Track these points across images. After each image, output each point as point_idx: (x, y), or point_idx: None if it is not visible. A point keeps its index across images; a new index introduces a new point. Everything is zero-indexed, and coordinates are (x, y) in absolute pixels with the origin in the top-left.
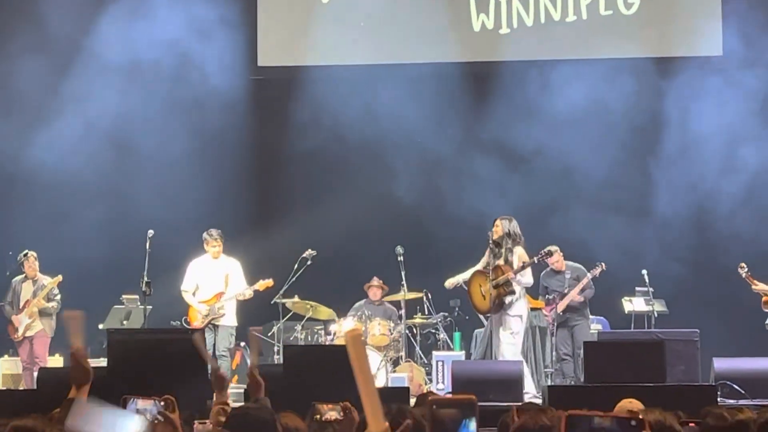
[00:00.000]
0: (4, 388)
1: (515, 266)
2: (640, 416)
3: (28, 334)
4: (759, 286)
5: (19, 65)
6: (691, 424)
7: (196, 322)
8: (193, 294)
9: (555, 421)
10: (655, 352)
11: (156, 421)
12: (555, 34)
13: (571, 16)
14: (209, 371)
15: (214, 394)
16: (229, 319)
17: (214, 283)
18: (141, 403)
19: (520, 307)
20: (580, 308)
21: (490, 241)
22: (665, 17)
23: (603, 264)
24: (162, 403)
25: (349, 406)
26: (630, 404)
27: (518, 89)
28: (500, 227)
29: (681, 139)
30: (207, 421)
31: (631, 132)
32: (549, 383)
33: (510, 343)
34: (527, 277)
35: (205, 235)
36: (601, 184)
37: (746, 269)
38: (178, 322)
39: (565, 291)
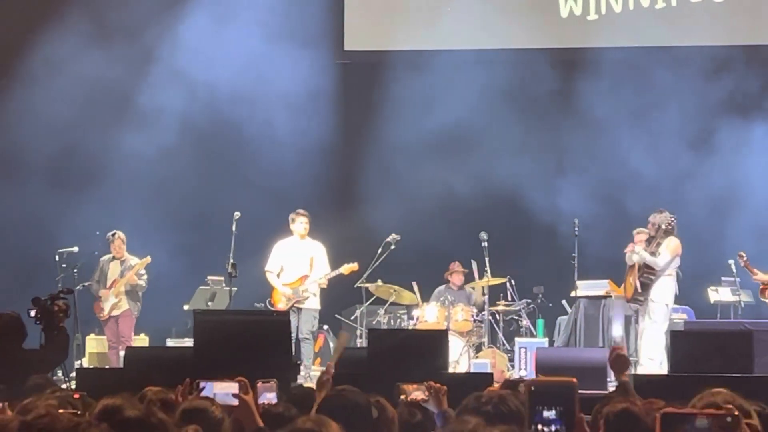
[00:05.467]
0: (92, 367)
1: (662, 258)
2: (736, 412)
3: (114, 313)
4: (758, 276)
5: (108, 52)
6: None
7: (280, 304)
8: (278, 275)
9: (642, 409)
10: (743, 343)
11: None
12: (644, 21)
13: (661, 3)
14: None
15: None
16: (313, 302)
17: (299, 266)
18: (216, 386)
19: (660, 293)
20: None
21: (648, 235)
22: (757, 5)
23: None
24: (236, 386)
25: (434, 385)
26: (718, 394)
27: (606, 76)
28: (652, 222)
29: None
30: (271, 380)
31: (718, 119)
32: (634, 371)
33: (651, 329)
34: (660, 258)
35: (292, 214)
36: (688, 172)
37: (745, 258)
38: (262, 304)
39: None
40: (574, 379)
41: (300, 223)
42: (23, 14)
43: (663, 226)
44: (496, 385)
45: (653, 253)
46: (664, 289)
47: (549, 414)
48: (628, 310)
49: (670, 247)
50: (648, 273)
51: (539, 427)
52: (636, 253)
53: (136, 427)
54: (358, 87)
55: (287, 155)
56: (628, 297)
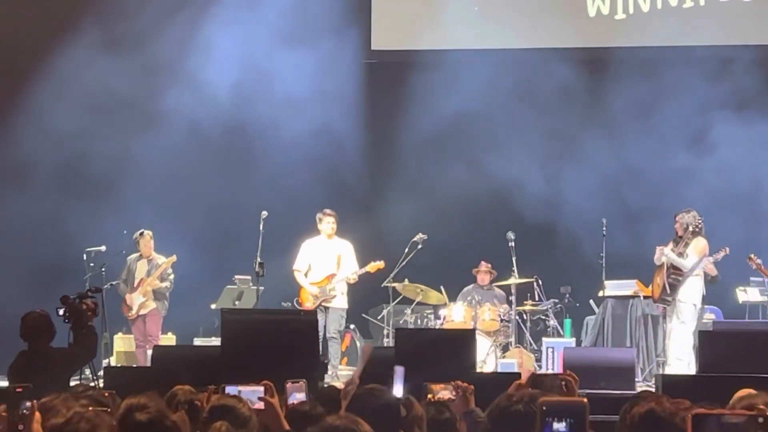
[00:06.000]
0: (119, 365)
1: (689, 259)
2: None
3: (141, 312)
4: None
5: (131, 58)
6: None
7: (308, 303)
8: (305, 274)
9: (670, 410)
10: None
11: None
12: (671, 20)
13: (689, 3)
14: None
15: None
16: (340, 301)
17: (327, 265)
18: (242, 389)
19: (688, 294)
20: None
21: (676, 235)
22: None
23: (727, 248)
24: (261, 389)
25: (461, 384)
26: (758, 396)
27: (634, 75)
28: (680, 222)
29: None
30: (300, 380)
31: (750, 118)
32: (661, 372)
33: (679, 330)
34: (688, 260)
35: (319, 214)
36: (715, 172)
37: (757, 260)
38: (289, 303)
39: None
40: (585, 399)
41: (327, 223)
42: (35, 25)
43: (691, 227)
44: (523, 378)
45: (681, 254)
46: (692, 290)
47: (559, 426)
48: (654, 310)
49: (698, 248)
50: (675, 274)
51: None
52: (664, 255)
53: (150, 428)
54: (383, 86)
55: (314, 153)
56: (656, 297)
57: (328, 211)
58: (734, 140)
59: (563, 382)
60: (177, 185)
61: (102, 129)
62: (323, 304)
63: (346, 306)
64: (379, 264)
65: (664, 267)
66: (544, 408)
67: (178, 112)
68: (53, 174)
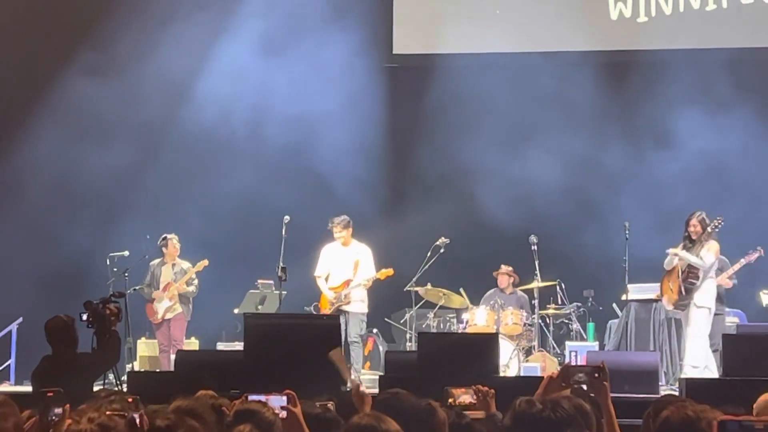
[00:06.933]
0: (143, 370)
1: (707, 260)
2: None
3: (167, 316)
4: None
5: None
6: None
7: (326, 309)
8: (326, 280)
9: (693, 414)
10: None
11: (285, 417)
12: (694, 23)
13: (711, 5)
14: (350, 387)
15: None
16: (360, 306)
17: (344, 270)
18: (266, 398)
19: (704, 298)
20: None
21: (686, 238)
22: None
23: (761, 249)
24: (284, 398)
25: (482, 388)
26: None
27: (656, 78)
28: (698, 225)
29: None
30: (328, 402)
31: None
32: (686, 376)
33: (695, 336)
34: (706, 259)
35: (329, 224)
36: (738, 175)
37: None
38: (310, 308)
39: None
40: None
41: (336, 233)
42: (29, 52)
43: (709, 229)
44: (554, 371)
45: (697, 257)
46: (708, 294)
47: None
48: (678, 314)
49: (713, 249)
50: (692, 278)
51: None
52: (679, 257)
53: None
54: (405, 90)
55: (335, 158)
56: (672, 302)
57: (336, 220)
58: (759, 143)
59: (595, 374)
60: (198, 190)
61: (122, 140)
62: (339, 308)
63: (366, 310)
64: (388, 271)
65: (676, 271)
66: None
67: (201, 116)
68: (74, 182)
